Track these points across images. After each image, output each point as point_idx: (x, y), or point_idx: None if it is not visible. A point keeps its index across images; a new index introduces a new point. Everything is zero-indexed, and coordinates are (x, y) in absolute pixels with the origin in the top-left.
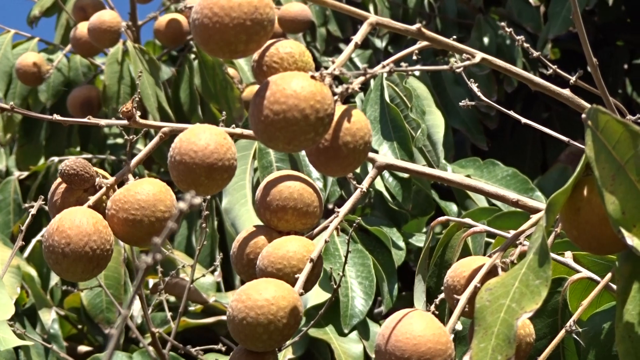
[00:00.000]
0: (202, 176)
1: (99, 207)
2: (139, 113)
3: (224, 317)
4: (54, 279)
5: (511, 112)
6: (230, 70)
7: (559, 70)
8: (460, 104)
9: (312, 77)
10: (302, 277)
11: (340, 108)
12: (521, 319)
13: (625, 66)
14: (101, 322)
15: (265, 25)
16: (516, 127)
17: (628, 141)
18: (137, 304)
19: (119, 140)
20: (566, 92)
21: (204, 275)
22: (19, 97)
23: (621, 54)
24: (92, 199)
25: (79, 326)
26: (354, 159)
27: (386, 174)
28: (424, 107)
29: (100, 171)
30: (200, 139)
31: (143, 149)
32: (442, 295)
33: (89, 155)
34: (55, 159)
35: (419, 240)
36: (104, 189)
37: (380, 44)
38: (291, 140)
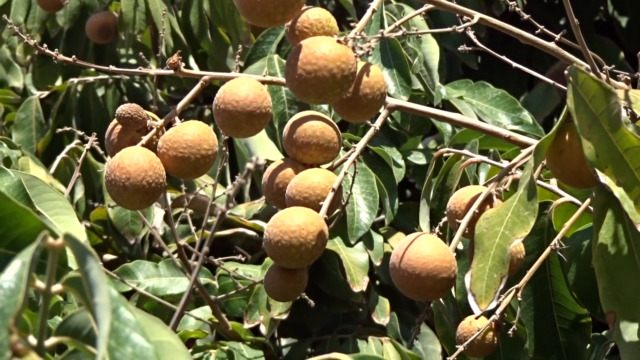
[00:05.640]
0: (243, 122)
1: (150, 145)
2: (183, 64)
3: (239, 229)
4: (79, 194)
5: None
6: None
7: (545, 30)
8: (459, 48)
9: (338, 41)
10: (325, 204)
11: (360, 64)
12: (513, 243)
13: None
14: (126, 233)
15: None
16: (504, 45)
17: (601, 97)
18: (159, 217)
19: (132, 61)
20: (552, 45)
21: (223, 194)
22: (38, 22)
23: None
24: (145, 139)
25: (104, 236)
26: (372, 107)
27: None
28: (420, 35)
29: (150, 114)
30: (241, 90)
31: (185, 96)
32: (445, 219)
33: (105, 76)
34: (75, 80)
35: (417, 157)
36: (154, 130)
37: None
38: (321, 94)
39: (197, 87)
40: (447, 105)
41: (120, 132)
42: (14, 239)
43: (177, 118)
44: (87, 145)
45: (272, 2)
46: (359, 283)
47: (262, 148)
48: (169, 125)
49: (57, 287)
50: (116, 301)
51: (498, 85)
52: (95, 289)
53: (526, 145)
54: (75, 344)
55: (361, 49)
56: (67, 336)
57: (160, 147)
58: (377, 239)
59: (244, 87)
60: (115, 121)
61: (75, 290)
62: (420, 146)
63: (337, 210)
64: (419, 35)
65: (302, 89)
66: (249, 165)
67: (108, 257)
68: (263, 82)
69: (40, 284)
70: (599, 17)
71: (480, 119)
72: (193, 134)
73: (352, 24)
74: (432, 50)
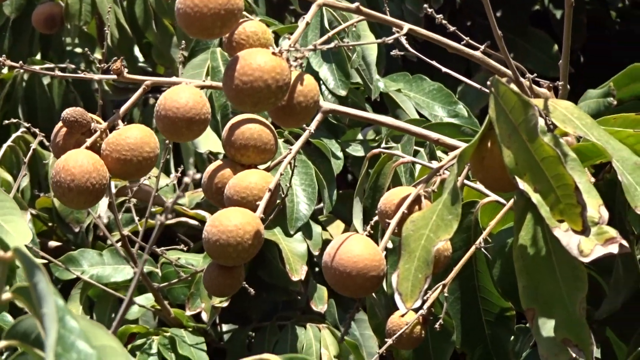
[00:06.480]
0: (183, 128)
1: (94, 147)
2: (126, 70)
3: (182, 219)
4: (24, 181)
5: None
6: None
7: (470, 41)
8: (392, 53)
9: (273, 53)
10: (262, 204)
11: (294, 73)
12: (437, 246)
13: None
14: (71, 221)
15: (236, 13)
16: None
17: (520, 108)
18: (103, 205)
19: (78, 50)
20: (478, 54)
21: (167, 185)
22: None
23: None
24: (89, 141)
25: (49, 224)
26: (306, 115)
27: (326, 91)
28: (360, 31)
29: (95, 117)
30: (181, 97)
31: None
32: (376, 218)
33: (52, 65)
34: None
35: (355, 150)
36: (98, 133)
37: None
38: (256, 104)
39: (139, 91)
40: (386, 97)
41: (66, 134)
42: None
43: (120, 121)
44: (35, 143)
45: (210, 17)
46: (298, 272)
47: (205, 140)
48: (112, 127)
49: (6, 296)
50: (62, 310)
51: (438, 75)
52: (43, 300)
53: (454, 148)
54: (24, 347)
55: (295, 59)
56: (17, 340)
57: (103, 149)
58: (316, 229)
59: (184, 94)
60: (60, 124)
61: (24, 298)
62: (360, 136)
63: (278, 202)
64: (358, 31)
65: (238, 99)
66: (186, 179)
67: (53, 243)
68: (202, 87)
69: None
70: (538, 7)
71: (418, 112)
72: (135, 137)
73: (292, 21)
74: (370, 45)
